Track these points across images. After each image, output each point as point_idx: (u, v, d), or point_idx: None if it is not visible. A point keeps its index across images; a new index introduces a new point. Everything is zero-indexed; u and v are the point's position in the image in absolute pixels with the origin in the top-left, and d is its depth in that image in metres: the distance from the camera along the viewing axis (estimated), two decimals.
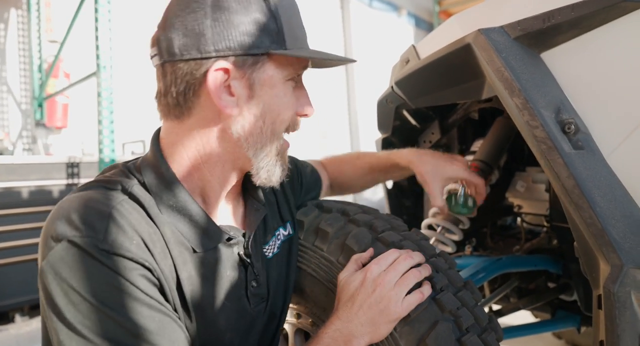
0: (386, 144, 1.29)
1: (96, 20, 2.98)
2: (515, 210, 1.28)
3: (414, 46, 1.09)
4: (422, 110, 1.23)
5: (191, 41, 0.58)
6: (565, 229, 1.11)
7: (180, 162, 0.64)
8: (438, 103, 1.01)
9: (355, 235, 0.75)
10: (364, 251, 0.73)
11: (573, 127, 0.70)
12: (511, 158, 1.28)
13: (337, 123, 6.77)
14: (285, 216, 0.82)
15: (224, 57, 0.59)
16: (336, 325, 0.63)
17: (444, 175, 0.94)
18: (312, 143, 6.14)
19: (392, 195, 1.38)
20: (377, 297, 0.63)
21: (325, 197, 1.04)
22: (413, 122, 1.26)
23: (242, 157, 0.66)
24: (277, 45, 0.61)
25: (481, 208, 1.20)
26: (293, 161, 0.90)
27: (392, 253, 0.68)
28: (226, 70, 0.60)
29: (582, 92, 0.72)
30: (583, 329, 1.25)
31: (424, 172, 0.93)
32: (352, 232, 0.76)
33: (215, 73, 0.59)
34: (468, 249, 1.31)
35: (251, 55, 0.60)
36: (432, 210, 1.20)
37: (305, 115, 0.69)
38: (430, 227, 1.19)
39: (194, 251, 0.62)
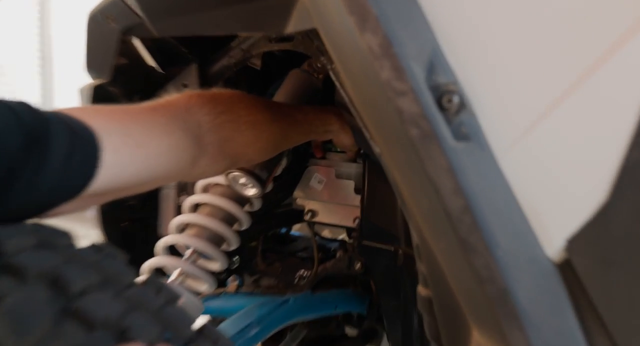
0: (99, 96, 1.08)
1: None
2: (307, 217, 1.20)
3: None
4: (171, 44, 1.06)
5: None
6: (377, 251, 1.11)
7: None
8: (204, 32, 0.82)
9: (11, 310, 0.48)
10: None
11: (456, 99, 0.57)
12: None
13: (22, 59, 6.10)
14: None
15: None
16: None
17: None
18: None
19: None
20: None
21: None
22: (152, 62, 1.10)
23: None
24: None
25: (255, 213, 1.12)
26: None
27: None
28: None
29: (465, 37, 0.59)
30: None
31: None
32: (6, 301, 0.49)
33: None
34: (232, 284, 1.19)
35: None
36: (178, 219, 1.04)
37: None
38: (172, 249, 1.05)
39: None
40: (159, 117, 0.77)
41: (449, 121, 0.56)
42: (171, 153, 0.76)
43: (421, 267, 0.66)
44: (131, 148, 0.70)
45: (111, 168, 0.67)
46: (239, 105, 0.88)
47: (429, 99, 0.56)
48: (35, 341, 0.47)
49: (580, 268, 0.54)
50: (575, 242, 0.54)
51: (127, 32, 0.94)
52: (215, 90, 0.90)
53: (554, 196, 0.56)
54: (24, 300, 0.49)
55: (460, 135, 0.56)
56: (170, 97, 0.83)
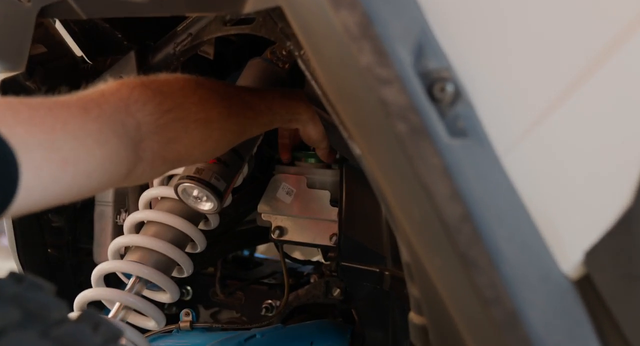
0: (9, 91, 1.09)
1: None
2: (274, 236, 1.21)
3: None
4: (102, 28, 1.07)
5: None
6: (359, 273, 1.12)
7: None
8: (142, 13, 0.85)
9: None
10: None
11: (450, 88, 0.59)
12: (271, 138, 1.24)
13: None
14: None
15: None
16: None
17: None
18: None
19: None
20: None
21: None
22: (77, 51, 1.13)
23: None
24: None
25: (212, 233, 1.15)
26: None
27: None
28: None
29: (460, 13, 0.62)
30: None
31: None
32: None
33: None
34: (185, 318, 1.20)
35: None
36: (118, 242, 1.04)
37: None
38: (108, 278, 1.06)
39: None
40: (91, 122, 0.75)
41: (442, 114, 0.57)
42: (104, 167, 0.76)
43: (413, 290, 0.67)
44: (57, 166, 0.69)
45: (32, 191, 0.66)
46: (190, 100, 0.88)
47: (417, 88, 0.56)
48: None
49: (602, 285, 0.55)
50: (595, 255, 0.55)
51: (45, 13, 0.92)
52: (163, 77, 0.89)
53: (569, 201, 0.57)
54: None
55: (456, 130, 0.57)
56: (107, 86, 0.82)
